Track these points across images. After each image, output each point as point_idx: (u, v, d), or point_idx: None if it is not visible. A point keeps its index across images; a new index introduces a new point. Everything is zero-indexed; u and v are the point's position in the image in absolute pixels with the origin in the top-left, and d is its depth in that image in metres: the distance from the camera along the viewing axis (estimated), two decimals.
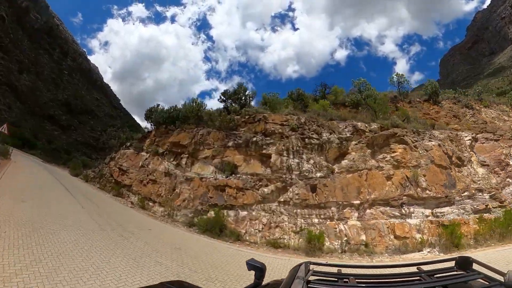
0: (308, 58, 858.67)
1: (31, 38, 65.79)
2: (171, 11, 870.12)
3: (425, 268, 1.92)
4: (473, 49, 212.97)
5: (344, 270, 2.03)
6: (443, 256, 9.58)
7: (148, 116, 21.29)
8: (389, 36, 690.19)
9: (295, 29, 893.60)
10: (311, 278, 1.66)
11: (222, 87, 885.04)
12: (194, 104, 18.38)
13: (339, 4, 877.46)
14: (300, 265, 1.81)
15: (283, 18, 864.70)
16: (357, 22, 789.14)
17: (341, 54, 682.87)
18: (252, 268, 1.74)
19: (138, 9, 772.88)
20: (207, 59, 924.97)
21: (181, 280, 2.29)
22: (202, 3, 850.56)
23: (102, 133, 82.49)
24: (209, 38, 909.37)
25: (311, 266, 1.87)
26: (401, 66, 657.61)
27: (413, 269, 1.92)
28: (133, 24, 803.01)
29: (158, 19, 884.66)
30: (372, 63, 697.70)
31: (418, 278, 1.72)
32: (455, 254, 9.56)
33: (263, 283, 1.77)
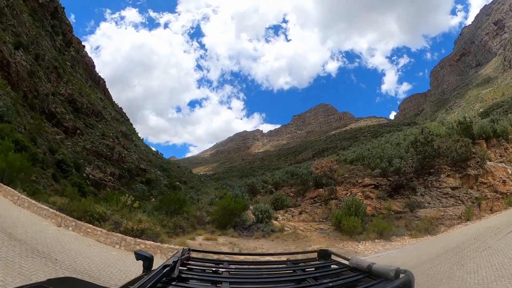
0: (300, 69, 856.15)
1: (33, 13, 48.64)
2: (164, 17, 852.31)
3: (292, 259, 2.17)
4: (461, 61, 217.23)
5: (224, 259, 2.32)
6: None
7: None
8: (379, 49, 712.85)
9: (288, 40, 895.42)
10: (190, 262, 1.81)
11: (214, 96, 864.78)
12: None
13: (332, 19, 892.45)
14: (179, 250, 1.89)
15: (277, 30, 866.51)
16: (349, 36, 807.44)
17: (333, 66, 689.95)
18: (140, 258, 1.74)
19: (132, 14, 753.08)
20: (199, 67, 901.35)
21: (71, 276, 2.28)
22: (197, 11, 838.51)
23: (115, 140, 64.56)
24: (202, 46, 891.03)
25: (192, 253, 1.98)
26: (390, 77, 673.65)
27: (284, 260, 2.22)
28: (126, 29, 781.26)
29: (151, 25, 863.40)
30: (362, 74, 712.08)
31: (285, 265, 1.96)
32: None
33: None
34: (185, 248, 1.95)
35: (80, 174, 41.12)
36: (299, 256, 2.26)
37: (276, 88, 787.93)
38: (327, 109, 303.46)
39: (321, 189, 21.75)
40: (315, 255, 2.11)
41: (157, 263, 1.78)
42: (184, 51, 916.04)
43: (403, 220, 16.91)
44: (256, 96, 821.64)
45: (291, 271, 1.77)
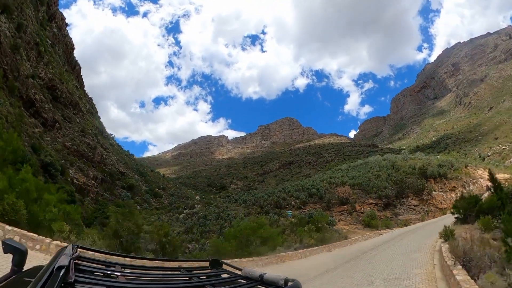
0: (270, 81, 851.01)
1: None
2: (145, 6, 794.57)
3: (185, 266, 2.11)
4: (421, 92, 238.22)
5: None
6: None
7: None
8: (347, 72, 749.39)
9: (263, 51, 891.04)
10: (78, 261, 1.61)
11: (181, 96, 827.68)
12: None
13: (308, 37, 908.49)
14: (67, 246, 1.61)
15: (255, 39, 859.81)
16: (322, 56, 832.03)
17: (302, 82, 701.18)
18: (10, 251, 1.35)
19: None
20: (170, 64, 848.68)
21: None
22: (179, 7, 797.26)
23: (94, 138, 54.12)
24: (177, 42, 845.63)
25: (79, 251, 1.71)
26: (354, 99, 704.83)
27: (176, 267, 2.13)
28: (103, 10, 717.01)
29: (130, 11, 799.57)
30: (328, 93, 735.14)
31: (178, 272, 1.90)
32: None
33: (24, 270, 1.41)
34: (74, 244, 1.61)
35: (65, 179, 32.29)
36: (191, 264, 2.17)
37: (245, 96, 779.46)
38: (292, 122, 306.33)
39: (345, 206, 35.93)
40: (207, 263, 2.09)
41: None
42: (158, 45, 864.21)
43: (393, 221, 32.84)
44: (224, 101, 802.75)
45: (187, 278, 1.75)
